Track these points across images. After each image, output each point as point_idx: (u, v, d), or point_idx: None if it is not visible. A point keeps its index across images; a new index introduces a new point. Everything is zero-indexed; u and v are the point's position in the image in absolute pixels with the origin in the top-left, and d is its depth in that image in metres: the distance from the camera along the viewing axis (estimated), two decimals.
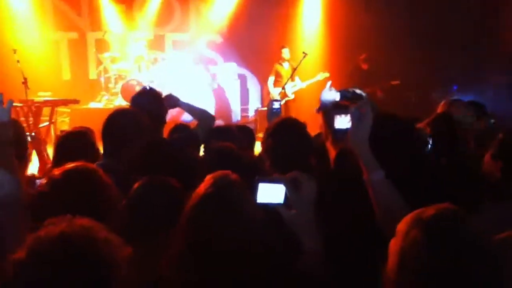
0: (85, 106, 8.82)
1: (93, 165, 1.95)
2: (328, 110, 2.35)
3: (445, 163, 2.69)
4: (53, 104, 7.39)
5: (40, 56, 9.40)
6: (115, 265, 1.12)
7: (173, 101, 3.33)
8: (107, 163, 2.50)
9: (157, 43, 10.25)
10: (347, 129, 1.89)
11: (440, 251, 1.14)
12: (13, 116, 1.95)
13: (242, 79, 10.69)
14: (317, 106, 2.53)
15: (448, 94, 7.67)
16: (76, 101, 7.72)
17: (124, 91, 8.75)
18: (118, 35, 10.00)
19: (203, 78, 10.10)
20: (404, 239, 1.20)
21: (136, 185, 1.93)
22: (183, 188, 1.89)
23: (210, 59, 10.56)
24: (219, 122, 7.41)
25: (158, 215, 1.81)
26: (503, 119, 4.25)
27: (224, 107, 10.07)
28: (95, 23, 9.95)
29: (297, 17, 10.52)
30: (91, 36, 10.03)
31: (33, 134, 6.13)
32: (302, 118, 2.68)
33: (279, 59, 8.84)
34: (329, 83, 2.68)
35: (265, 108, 8.91)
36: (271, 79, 8.84)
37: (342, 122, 2.08)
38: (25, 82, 6.87)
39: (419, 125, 2.82)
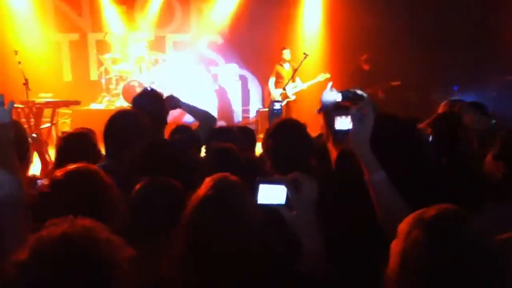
0: (86, 107, 8.83)
1: (95, 166, 1.95)
2: (329, 111, 2.34)
3: (446, 163, 2.70)
4: (54, 105, 7.42)
5: (41, 57, 9.41)
6: (117, 266, 1.12)
7: (174, 102, 3.33)
8: (108, 164, 2.50)
9: (158, 44, 10.24)
10: (348, 130, 1.88)
11: (442, 251, 1.14)
12: (14, 117, 1.95)
13: (243, 80, 10.68)
14: (318, 107, 2.52)
15: (448, 95, 7.67)
16: (77, 102, 7.73)
17: (125, 92, 8.77)
18: (119, 36, 10.00)
19: (204, 79, 10.11)
20: (405, 240, 1.20)
21: (137, 186, 1.94)
22: (184, 189, 1.89)
23: (211, 60, 10.55)
24: (221, 123, 7.42)
25: (159, 216, 1.82)
26: (504, 119, 4.24)
27: (226, 108, 10.07)
28: (96, 24, 9.96)
29: (297, 18, 10.51)
30: (92, 37, 10.04)
31: (34, 135, 6.13)
32: (303, 119, 2.68)
33: (280, 60, 8.84)
34: (330, 84, 2.67)
35: (266, 109, 8.94)
36: (272, 80, 8.84)
37: (343, 123, 2.07)
38: (26, 83, 6.89)
39: (420, 126, 2.82)
